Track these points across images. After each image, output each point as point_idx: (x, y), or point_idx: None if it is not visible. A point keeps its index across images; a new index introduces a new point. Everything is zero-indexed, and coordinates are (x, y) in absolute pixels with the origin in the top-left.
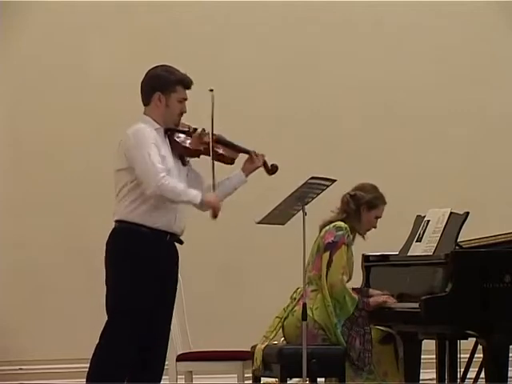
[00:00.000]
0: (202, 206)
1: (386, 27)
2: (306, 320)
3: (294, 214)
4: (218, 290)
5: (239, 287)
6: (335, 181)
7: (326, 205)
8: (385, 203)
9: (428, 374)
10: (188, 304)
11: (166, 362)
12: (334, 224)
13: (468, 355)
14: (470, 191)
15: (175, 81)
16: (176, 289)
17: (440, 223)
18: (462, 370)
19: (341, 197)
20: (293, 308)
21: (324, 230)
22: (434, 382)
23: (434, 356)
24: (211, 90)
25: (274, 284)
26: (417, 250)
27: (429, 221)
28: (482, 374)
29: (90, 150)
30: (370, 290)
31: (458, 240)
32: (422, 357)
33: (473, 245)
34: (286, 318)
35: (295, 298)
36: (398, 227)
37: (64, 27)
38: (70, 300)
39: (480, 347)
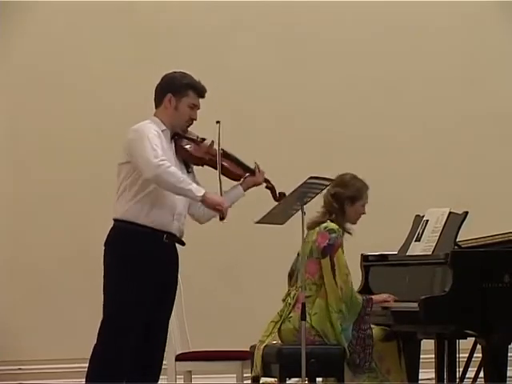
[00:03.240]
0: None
1: (386, 27)
2: (305, 320)
3: (292, 214)
4: (217, 289)
5: (238, 287)
6: (334, 180)
7: None
8: (367, 189)
9: (427, 373)
10: (187, 304)
11: (165, 362)
12: (325, 226)
13: (467, 355)
14: (470, 191)
15: (188, 85)
16: (175, 289)
17: (439, 223)
18: (461, 369)
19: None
20: (289, 314)
21: (314, 231)
22: (433, 381)
23: (433, 356)
24: (218, 122)
25: (273, 284)
26: (416, 249)
27: (428, 220)
28: (481, 374)
29: (90, 149)
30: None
31: (457, 240)
32: (421, 356)
33: (471, 245)
34: (282, 323)
35: (290, 303)
36: (396, 227)
37: (63, 27)
38: (69, 300)
39: (479, 347)
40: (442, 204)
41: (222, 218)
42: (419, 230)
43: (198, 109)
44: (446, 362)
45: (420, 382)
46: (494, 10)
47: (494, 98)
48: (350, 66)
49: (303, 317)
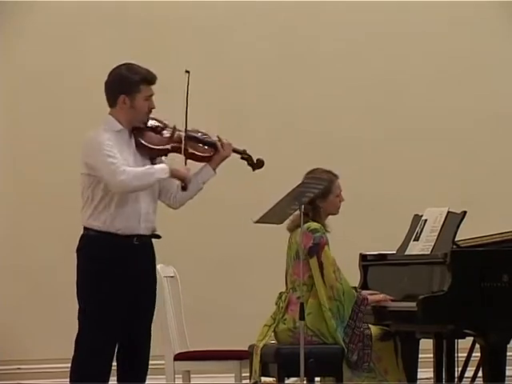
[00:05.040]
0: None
1: (387, 27)
2: (303, 319)
3: (290, 214)
4: (215, 289)
5: (237, 286)
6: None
7: None
8: (336, 178)
9: (425, 373)
10: (185, 303)
11: (164, 362)
12: (307, 226)
13: (466, 354)
14: (469, 191)
15: (138, 81)
16: (154, 288)
17: (437, 222)
18: (460, 369)
19: None
20: (282, 316)
21: (297, 232)
22: (432, 381)
23: (432, 355)
24: (187, 72)
25: (271, 283)
26: (414, 249)
27: (426, 220)
28: (480, 373)
29: None
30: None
31: (456, 239)
32: (420, 356)
33: (469, 244)
34: (276, 326)
35: (282, 306)
36: (395, 226)
37: (63, 27)
38: (68, 300)
39: (478, 346)
40: (442, 204)
41: (184, 188)
42: (418, 229)
43: (153, 95)
44: (444, 361)
45: (418, 381)
46: (494, 10)
47: (494, 98)
48: (351, 66)
49: (301, 317)
